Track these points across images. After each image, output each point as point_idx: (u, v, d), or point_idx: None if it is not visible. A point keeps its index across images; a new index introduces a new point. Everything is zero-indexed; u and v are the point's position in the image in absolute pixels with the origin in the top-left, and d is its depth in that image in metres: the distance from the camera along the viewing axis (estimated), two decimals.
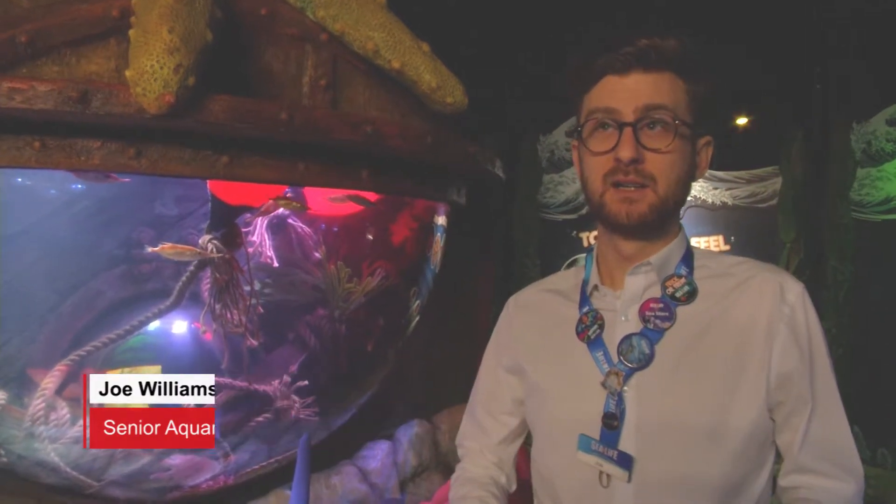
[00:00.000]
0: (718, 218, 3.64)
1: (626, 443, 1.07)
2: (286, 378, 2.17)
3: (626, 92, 1.07)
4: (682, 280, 1.12)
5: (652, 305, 1.11)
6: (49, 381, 1.91)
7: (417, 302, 2.54)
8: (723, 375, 1.06)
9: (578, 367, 1.15)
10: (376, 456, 2.60)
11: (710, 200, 3.68)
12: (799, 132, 3.39)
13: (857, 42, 3.24)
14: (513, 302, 1.36)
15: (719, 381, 1.06)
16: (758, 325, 1.06)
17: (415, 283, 2.51)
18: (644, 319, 1.11)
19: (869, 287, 3.19)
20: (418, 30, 1.83)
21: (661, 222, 1.10)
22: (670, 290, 1.12)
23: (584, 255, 3.78)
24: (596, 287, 1.18)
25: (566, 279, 1.29)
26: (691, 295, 1.11)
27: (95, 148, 1.45)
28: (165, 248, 1.92)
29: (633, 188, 1.07)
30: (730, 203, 3.63)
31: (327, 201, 2.14)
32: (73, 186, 1.95)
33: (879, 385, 3.08)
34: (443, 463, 2.68)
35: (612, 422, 1.08)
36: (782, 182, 3.49)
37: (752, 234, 3.59)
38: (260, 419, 2.15)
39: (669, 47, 1.06)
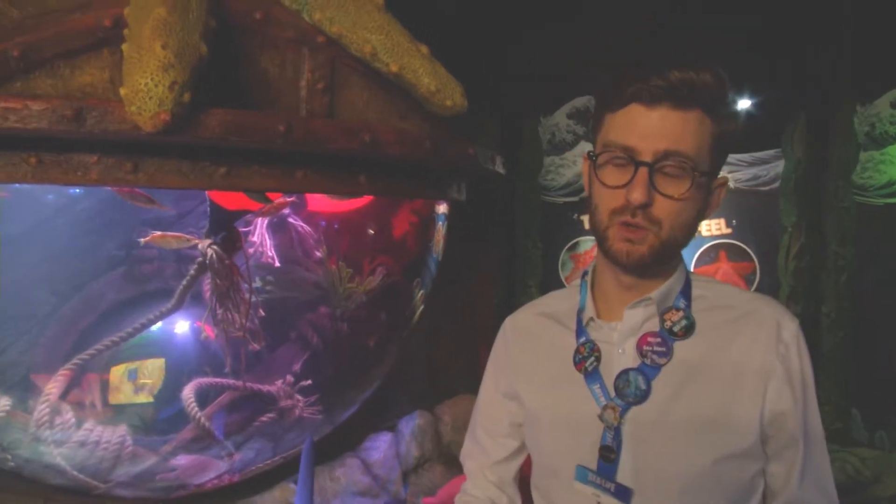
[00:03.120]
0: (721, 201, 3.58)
1: (624, 475, 1.08)
2: (289, 378, 2.18)
3: (649, 128, 1.03)
4: (681, 314, 1.11)
5: (650, 340, 1.11)
6: (53, 387, 1.93)
7: (421, 292, 2.54)
8: (718, 412, 1.06)
9: (575, 397, 1.15)
10: (379, 448, 2.63)
11: None
12: (801, 114, 3.35)
13: (861, 22, 3.19)
14: (509, 325, 1.35)
15: (714, 419, 1.06)
16: (753, 361, 1.07)
17: (418, 274, 2.50)
18: (641, 354, 1.10)
19: (870, 271, 3.18)
20: (416, 23, 1.80)
21: (661, 262, 1.09)
22: (668, 323, 1.11)
23: (585, 238, 3.80)
24: (592, 319, 1.17)
25: (561, 302, 1.28)
26: (689, 329, 1.10)
27: (92, 163, 1.43)
28: (155, 237, 1.92)
29: (636, 229, 1.05)
30: (731, 186, 3.60)
31: (326, 197, 2.14)
32: (72, 190, 1.94)
33: (878, 369, 3.08)
34: (445, 454, 2.70)
35: (609, 454, 1.09)
36: (784, 165, 3.46)
37: (753, 218, 3.57)
38: (264, 419, 2.16)
39: (703, 83, 1.02)
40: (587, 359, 1.15)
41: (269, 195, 1.93)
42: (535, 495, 1.28)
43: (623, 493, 1.07)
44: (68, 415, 1.94)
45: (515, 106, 3.80)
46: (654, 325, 1.12)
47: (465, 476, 2.10)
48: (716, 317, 1.11)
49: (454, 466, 2.58)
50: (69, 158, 1.42)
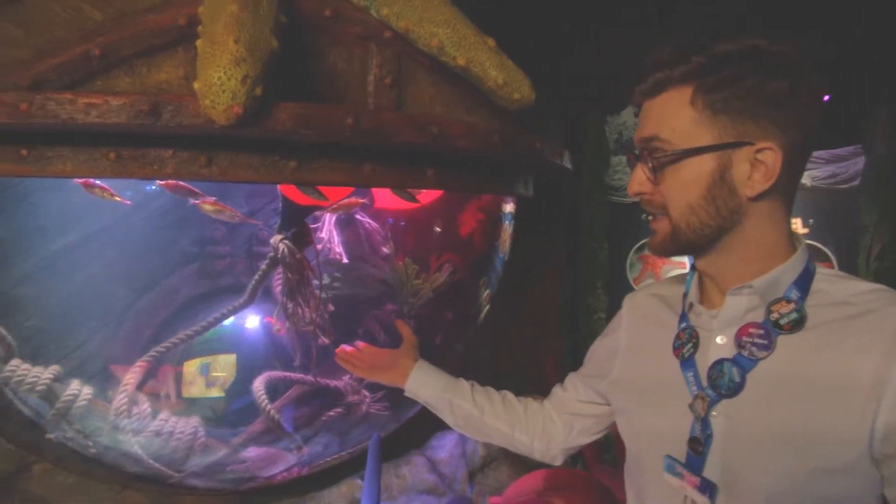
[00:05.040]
0: (796, 200, 3.44)
1: (712, 470, 1.04)
2: None
3: (638, 123, 1.09)
4: (791, 306, 1.03)
5: (751, 331, 1.04)
6: (130, 377, 1.98)
7: (487, 292, 2.53)
8: (817, 419, 0.97)
9: (669, 383, 1.12)
10: (445, 446, 2.62)
11: None
12: (883, 109, 3.19)
13: None
14: (627, 302, 1.36)
15: (812, 426, 0.97)
16: (866, 367, 0.95)
17: (484, 273, 2.49)
18: (739, 345, 1.05)
19: None
20: (482, 20, 1.79)
21: (695, 247, 1.06)
22: (775, 315, 1.03)
23: None
24: (692, 305, 1.14)
25: (673, 285, 1.26)
26: (797, 323, 1.02)
27: (168, 157, 1.47)
28: (206, 203, 1.92)
29: (651, 218, 1.08)
30: (808, 184, 3.47)
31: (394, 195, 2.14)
32: (148, 187, 2.00)
33: None
34: (511, 454, 2.67)
35: (697, 447, 1.05)
36: (865, 162, 3.30)
37: (832, 217, 3.43)
38: (332, 413, 2.19)
39: (671, 61, 1.03)
40: (685, 345, 1.12)
41: (336, 192, 1.94)
42: (626, 483, 1.27)
43: (708, 488, 1.03)
44: (145, 405, 2.00)
45: (581, 105, 3.75)
46: (758, 315, 1.05)
47: (532, 475, 2.13)
48: (831, 314, 1.02)
49: (521, 467, 2.55)
50: (146, 153, 1.46)
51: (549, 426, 1.49)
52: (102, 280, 2.03)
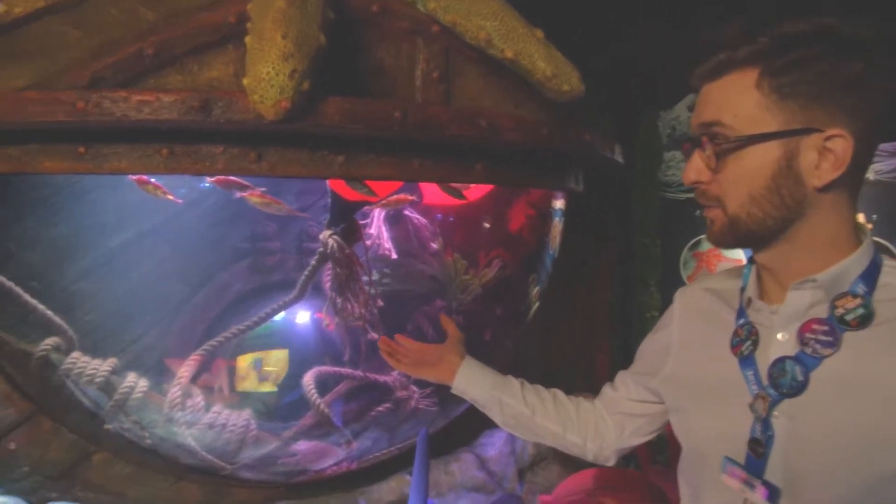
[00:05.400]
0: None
1: (773, 472, 0.99)
2: None
3: (698, 107, 1.03)
4: (858, 301, 0.97)
5: (814, 327, 0.99)
6: (184, 370, 2.03)
7: (537, 288, 2.50)
8: (887, 422, 0.92)
9: (727, 382, 1.07)
10: (494, 444, 2.60)
11: None
12: None
13: None
14: (678, 298, 1.31)
15: (881, 429, 0.92)
16: None
17: (533, 269, 2.47)
18: (803, 342, 0.99)
19: None
20: (530, 12, 1.77)
21: (755, 238, 1.01)
22: (840, 311, 0.97)
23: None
24: (750, 300, 1.09)
25: (728, 279, 1.20)
26: (865, 320, 0.96)
27: (218, 153, 1.49)
28: (254, 195, 1.93)
29: (707, 208, 1.03)
30: (871, 178, 3.33)
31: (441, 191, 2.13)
32: (201, 185, 2.03)
33: None
34: (562, 454, 2.61)
35: (757, 448, 1.00)
36: None
37: None
38: (381, 409, 2.19)
39: (736, 42, 0.98)
40: (744, 342, 1.07)
41: (386, 187, 1.95)
42: (680, 483, 1.22)
43: (770, 491, 0.98)
44: (198, 398, 2.04)
45: (633, 99, 3.68)
46: (822, 311, 1.00)
47: (582, 473, 2.09)
48: None
49: (571, 466, 2.51)
50: (198, 149, 1.48)
51: (601, 426, 1.44)
52: (158, 276, 2.08)
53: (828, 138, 0.95)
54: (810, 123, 0.95)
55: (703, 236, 3.71)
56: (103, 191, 1.93)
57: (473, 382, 1.54)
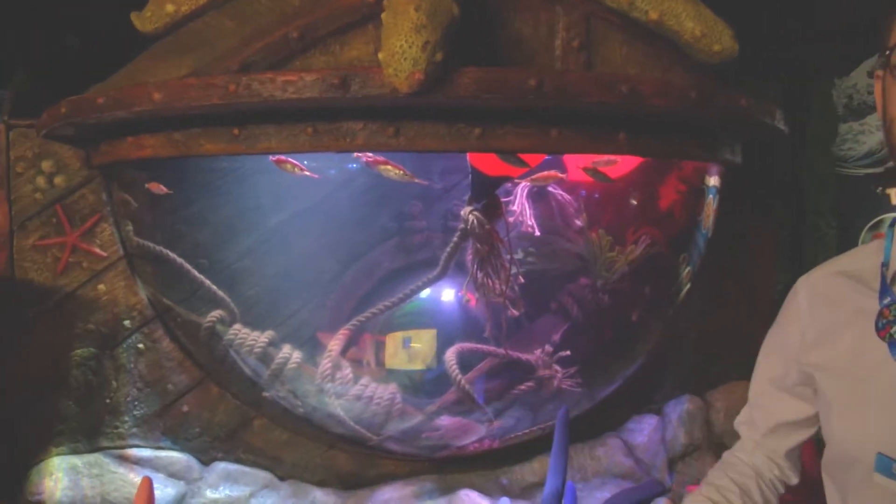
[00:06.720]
0: None
1: None
2: (548, 347, 2.17)
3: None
4: None
5: None
6: (335, 344, 2.11)
7: (688, 269, 2.37)
8: None
9: (876, 369, 0.95)
10: (643, 430, 2.50)
11: None
12: None
13: None
14: (802, 287, 1.19)
15: None
16: None
17: (684, 249, 2.34)
18: None
19: None
20: None
21: None
22: None
23: (891, 214, 3.26)
24: None
25: (863, 258, 1.08)
26: None
27: (358, 129, 1.53)
28: (378, 161, 1.90)
29: None
30: None
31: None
32: (350, 166, 2.10)
33: None
34: (717, 444, 2.48)
35: None
36: None
37: None
38: (523, 387, 2.18)
39: None
40: (893, 324, 0.95)
41: (527, 159, 1.91)
42: (826, 483, 1.11)
43: None
44: (347, 370, 2.12)
45: (804, 66, 3.38)
46: None
47: None
48: None
49: None
50: (339, 127, 1.54)
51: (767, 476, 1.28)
52: (311, 254, 2.19)
53: None
54: None
55: (884, 216, 3.35)
56: (263, 175, 2.05)
57: None
